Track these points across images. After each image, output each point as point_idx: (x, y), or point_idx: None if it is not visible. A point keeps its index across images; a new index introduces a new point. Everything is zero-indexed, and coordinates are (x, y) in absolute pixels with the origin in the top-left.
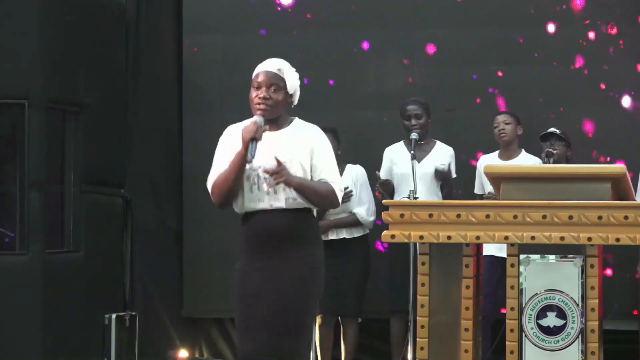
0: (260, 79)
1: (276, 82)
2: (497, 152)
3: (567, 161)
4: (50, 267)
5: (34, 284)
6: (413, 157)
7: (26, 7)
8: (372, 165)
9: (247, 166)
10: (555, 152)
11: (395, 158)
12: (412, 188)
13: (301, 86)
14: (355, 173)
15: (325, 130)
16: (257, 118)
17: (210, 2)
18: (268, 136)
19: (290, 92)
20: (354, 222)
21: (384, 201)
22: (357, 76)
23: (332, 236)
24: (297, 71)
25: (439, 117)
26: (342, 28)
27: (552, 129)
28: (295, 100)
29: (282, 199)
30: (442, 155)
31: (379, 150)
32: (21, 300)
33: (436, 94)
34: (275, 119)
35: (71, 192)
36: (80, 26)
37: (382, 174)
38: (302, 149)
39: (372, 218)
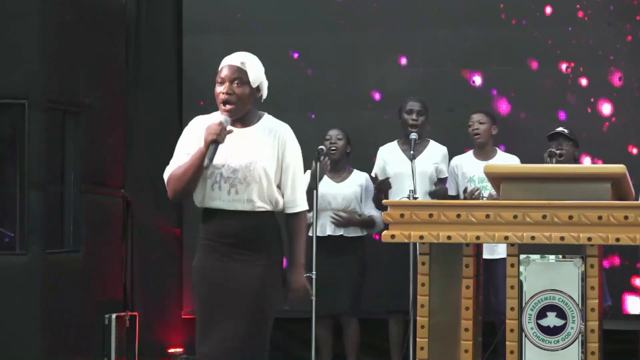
0: (223, 73)
1: (239, 76)
2: (471, 152)
3: (575, 161)
4: (50, 267)
5: (34, 284)
6: (413, 157)
7: (26, 7)
8: (371, 165)
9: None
10: (558, 152)
11: (389, 157)
12: (409, 187)
13: (302, 85)
14: (365, 179)
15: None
16: (223, 118)
17: (210, 2)
18: (235, 133)
19: (254, 85)
20: (371, 224)
21: (384, 201)
22: (357, 76)
23: (329, 232)
24: (296, 70)
25: (439, 117)
26: (342, 28)
27: (559, 129)
28: (264, 94)
29: (242, 200)
30: (435, 154)
31: (377, 150)
32: (21, 300)
33: (436, 94)
34: (243, 115)
35: (71, 192)
36: (80, 26)
37: (375, 174)
38: (269, 152)
39: (382, 226)
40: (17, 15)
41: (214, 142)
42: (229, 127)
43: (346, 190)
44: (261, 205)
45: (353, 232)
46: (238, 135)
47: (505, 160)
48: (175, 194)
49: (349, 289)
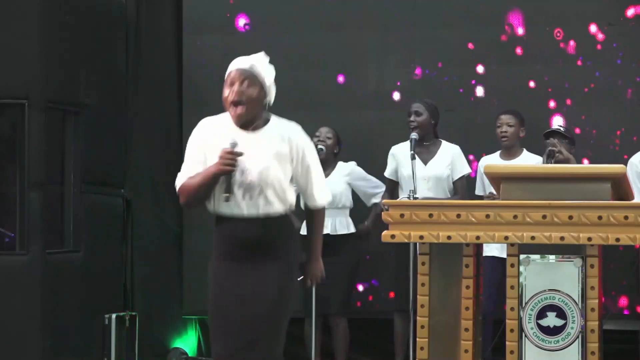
0: (233, 75)
1: (250, 76)
2: (498, 152)
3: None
4: (50, 267)
5: (33, 284)
6: (413, 157)
7: (26, 7)
8: (371, 165)
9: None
10: (557, 152)
11: (401, 158)
12: (419, 188)
13: (302, 85)
14: (350, 169)
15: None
16: (232, 143)
17: (210, 2)
18: (246, 137)
19: (264, 87)
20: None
21: (384, 201)
22: (357, 76)
23: None
24: (297, 70)
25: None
26: (342, 28)
27: (555, 127)
28: (271, 99)
29: (257, 205)
30: (447, 155)
31: (378, 150)
32: (21, 300)
33: (436, 94)
34: (252, 118)
35: (71, 192)
36: (80, 26)
37: (388, 174)
38: (283, 155)
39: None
40: (17, 15)
41: (227, 173)
42: (237, 149)
43: (331, 187)
44: (276, 210)
45: (340, 230)
46: (249, 140)
47: (529, 160)
48: (188, 204)
49: (339, 290)
